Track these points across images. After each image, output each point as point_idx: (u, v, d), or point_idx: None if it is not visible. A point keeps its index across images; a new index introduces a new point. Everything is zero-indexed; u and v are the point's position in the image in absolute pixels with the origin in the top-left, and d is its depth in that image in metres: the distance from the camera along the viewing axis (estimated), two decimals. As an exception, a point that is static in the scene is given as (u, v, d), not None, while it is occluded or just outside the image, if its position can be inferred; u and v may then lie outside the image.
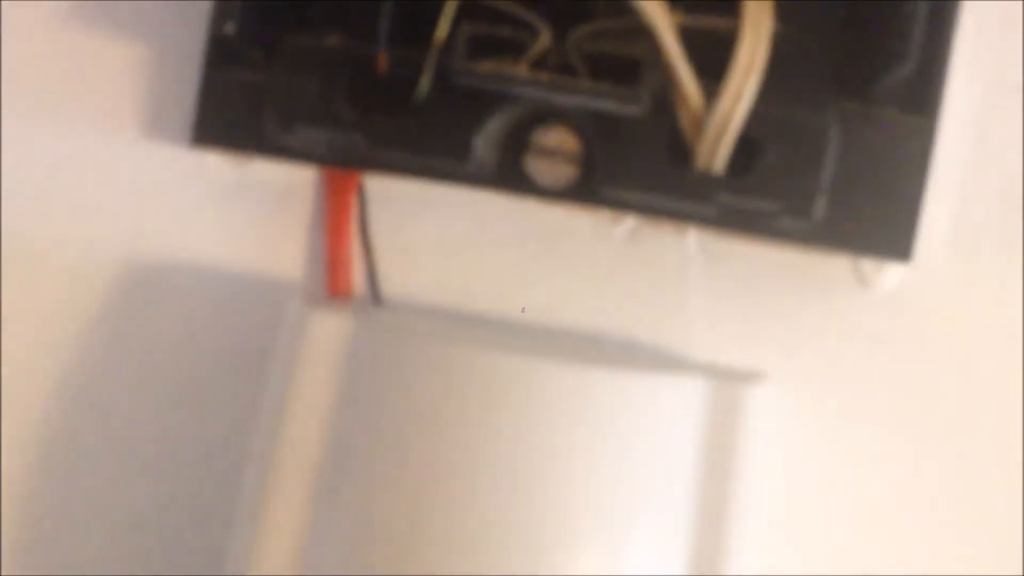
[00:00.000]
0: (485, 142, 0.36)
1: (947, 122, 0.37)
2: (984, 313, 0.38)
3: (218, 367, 0.39)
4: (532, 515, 0.33)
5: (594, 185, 0.37)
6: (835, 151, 0.36)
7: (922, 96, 0.36)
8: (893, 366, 0.38)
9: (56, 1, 0.39)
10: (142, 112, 0.39)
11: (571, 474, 0.33)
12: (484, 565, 0.33)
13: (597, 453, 0.33)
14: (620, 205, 0.37)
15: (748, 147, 0.35)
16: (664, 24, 0.34)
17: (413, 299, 0.38)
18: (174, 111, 0.39)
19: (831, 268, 0.38)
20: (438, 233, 0.38)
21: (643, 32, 0.35)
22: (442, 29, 0.35)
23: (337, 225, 0.38)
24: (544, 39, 0.35)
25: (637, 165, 0.36)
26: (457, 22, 0.35)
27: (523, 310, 0.38)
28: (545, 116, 0.37)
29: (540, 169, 0.37)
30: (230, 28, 0.35)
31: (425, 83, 0.36)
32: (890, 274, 0.38)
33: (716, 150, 0.35)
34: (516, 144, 0.37)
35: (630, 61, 0.35)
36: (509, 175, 0.37)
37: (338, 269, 0.38)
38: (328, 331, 0.35)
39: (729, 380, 0.34)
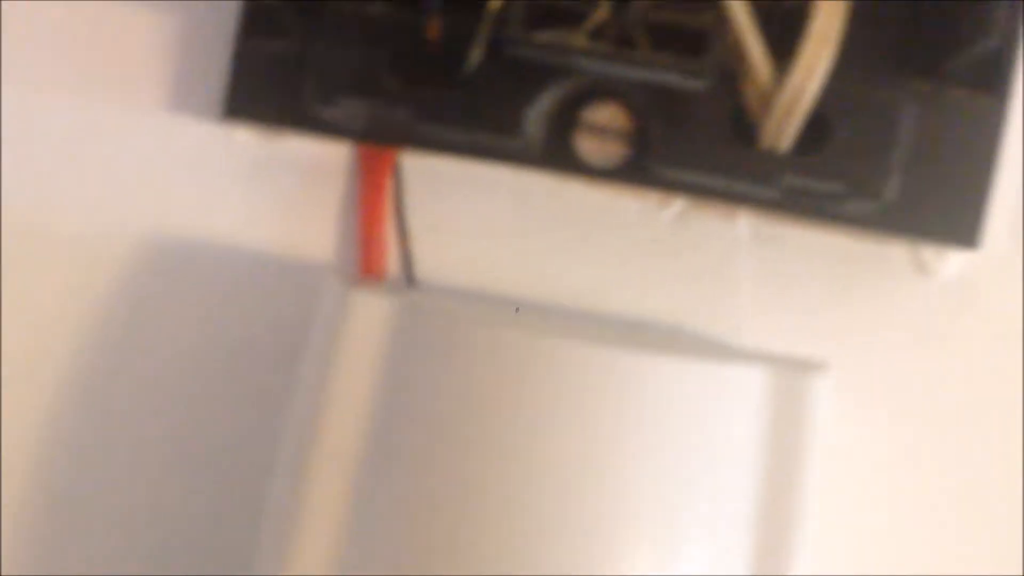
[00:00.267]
0: (535, 118, 0.35)
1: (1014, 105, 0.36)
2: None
3: (245, 351, 0.37)
4: (591, 512, 0.32)
5: (647, 164, 0.35)
6: (906, 131, 0.34)
7: (996, 76, 0.34)
8: (951, 358, 0.37)
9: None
10: (168, 84, 0.37)
11: (629, 468, 0.32)
12: (538, 565, 0.31)
13: (656, 446, 0.32)
14: (675, 185, 0.35)
15: (815, 126, 0.34)
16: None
17: (447, 282, 0.37)
18: (202, 83, 0.37)
19: (888, 255, 0.36)
20: (474, 214, 0.37)
21: (708, 1, 0.33)
22: (497, -4, 0.34)
23: (372, 204, 0.37)
24: (603, 8, 0.33)
25: (695, 143, 0.34)
26: (511, -11, 0.34)
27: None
28: (597, 91, 0.35)
29: (589, 148, 0.36)
30: (268, -8, 0.33)
31: (476, 54, 0.34)
32: (951, 262, 0.36)
33: (784, 128, 0.33)
34: (563, 122, 0.36)
35: (694, 32, 0.33)
36: (557, 154, 0.36)
37: (372, 250, 0.37)
38: (371, 313, 0.33)
39: (793, 369, 0.33)
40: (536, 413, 0.32)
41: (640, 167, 0.36)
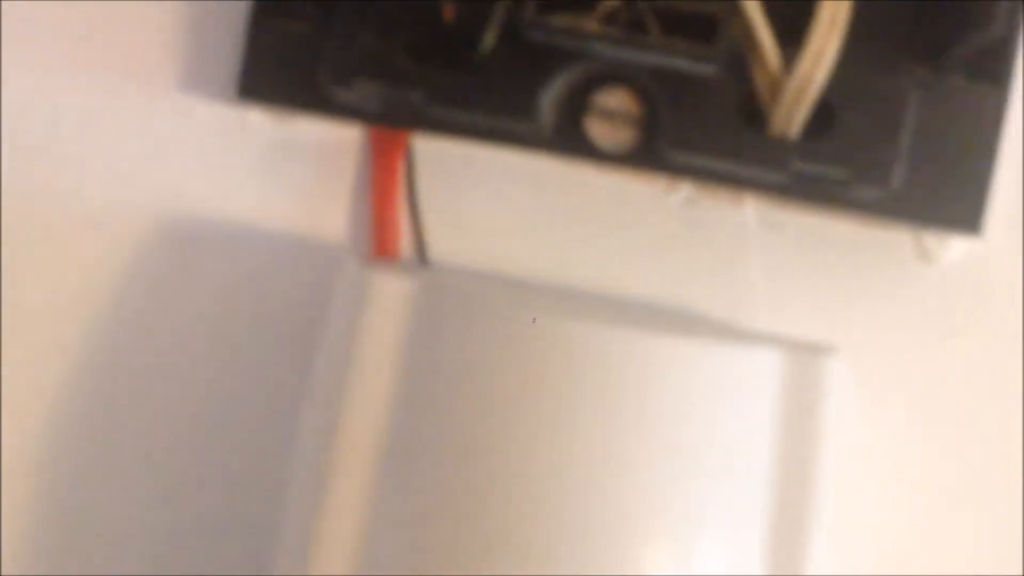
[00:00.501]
0: (548, 102, 0.35)
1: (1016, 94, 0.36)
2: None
3: (258, 334, 0.37)
4: (615, 496, 0.31)
5: (657, 149, 0.36)
6: (912, 118, 0.35)
7: (999, 66, 0.35)
8: (953, 344, 0.37)
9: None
10: (182, 65, 0.37)
11: (651, 450, 0.32)
12: (564, 543, 0.31)
13: (677, 425, 0.32)
14: (684, 170, 0.36)
15: (821, 113, 0.34)
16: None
17: (458, 264, 0.37)
18: (215, 64, 0.37)
19: (891, 242, 0.37)
20: (485, 197, 0.37)
21: (719, -12, 0.33)
22: (512, -21, 0.34)
23: (384, 187, 0.37)
24: (616, -6, 0.34)
25: (705, 128, 0.35)
26: (526, -27, 0.34)
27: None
28: (608, 76, 0.36)
29: (600, 132, 0.36)
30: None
31: (490, 37, 0.34)
32: (953, 249, 0.37)
33: (793, 114, 0.34)
34: (574, 106, 0.36)
35: (705, 19, 0.34)
36: (568, 138, 0.36)
37: (385, 232, 0.37)
38: (391, 292, 0.33)
39: (807, 352, 0.33)
40: (559, 393, 0.32)
41: (650, 151, 0.36)
